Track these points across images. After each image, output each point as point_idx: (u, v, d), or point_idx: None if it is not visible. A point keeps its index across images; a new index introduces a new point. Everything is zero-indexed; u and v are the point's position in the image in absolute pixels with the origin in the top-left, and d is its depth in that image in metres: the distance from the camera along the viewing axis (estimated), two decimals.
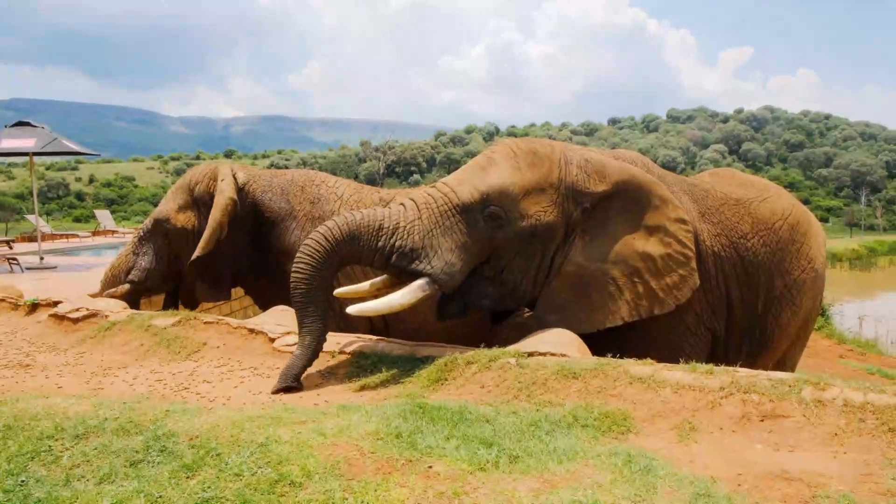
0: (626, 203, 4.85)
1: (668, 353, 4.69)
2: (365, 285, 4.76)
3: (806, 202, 67.88)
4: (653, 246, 4.81)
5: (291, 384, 4.22)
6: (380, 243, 4.47)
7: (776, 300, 5.41)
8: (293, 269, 4.39)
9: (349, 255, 4.47)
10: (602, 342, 4.57)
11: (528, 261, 4.74)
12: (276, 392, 4.18)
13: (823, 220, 64.88)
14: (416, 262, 4.48)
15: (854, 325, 16.32)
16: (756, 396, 3.30)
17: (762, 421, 3.18)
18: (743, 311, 5.37)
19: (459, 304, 4.77)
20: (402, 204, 4.68)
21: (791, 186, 72.92)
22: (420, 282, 4.47)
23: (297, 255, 4.42)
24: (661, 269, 4.80)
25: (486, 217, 4.60)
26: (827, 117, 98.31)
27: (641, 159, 5.39)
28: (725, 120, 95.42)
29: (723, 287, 5.27)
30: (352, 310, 4.49)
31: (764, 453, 2.96)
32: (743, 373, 3.54)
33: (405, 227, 4.52)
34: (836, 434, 3.03)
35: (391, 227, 4.50)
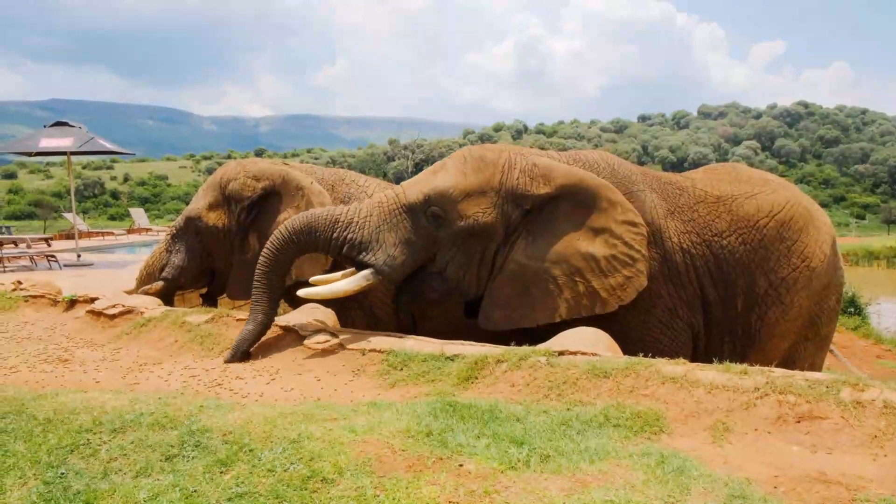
0: (572, 205, 5.03)
1: (640, 346, 4.86)
2: (337, 275, 5.26)
3: (842, 199, 66.27)
4: (597, 247, 4.94)
5: (241, 358, 4.86)
6: (334, 235, 5.04)
7: (760, 299, 5.28)
8: (260, 255, 5.05)
9: (306, 244, 5.06)
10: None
11: (468, 258, 5.05)
12: (228, 363, 4.83)
13: (860, 217, 63.30)
14: (364, 253, 5.01)
15: (892, 325, 15.91)
16: (792, 397, 3.24)
17: (799, 422, 3.13)
18: (721, 309, 5.30)
19: (409, 296, 5.25)
20: (359, 203, 5.20)
21: (826, 183, 71.31)
22: (365, 272, 5.00)
23: (265, 245, 5.07)
24: (605, 270, 4.93)
25: (428, 217, 4.99)
26: (863, 112, 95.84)
27: (606, 160, 5.42)
28: (758, 116, 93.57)
29: (696, 284, 5.24)
30: (302, 293, 5.09)
31: (801, 455, 2.91)
32: (779, 373, 3.48)
33: (358, 222, 5.06)
34: (875, 436, 2.97)
35: (345, 222, 5.07)
